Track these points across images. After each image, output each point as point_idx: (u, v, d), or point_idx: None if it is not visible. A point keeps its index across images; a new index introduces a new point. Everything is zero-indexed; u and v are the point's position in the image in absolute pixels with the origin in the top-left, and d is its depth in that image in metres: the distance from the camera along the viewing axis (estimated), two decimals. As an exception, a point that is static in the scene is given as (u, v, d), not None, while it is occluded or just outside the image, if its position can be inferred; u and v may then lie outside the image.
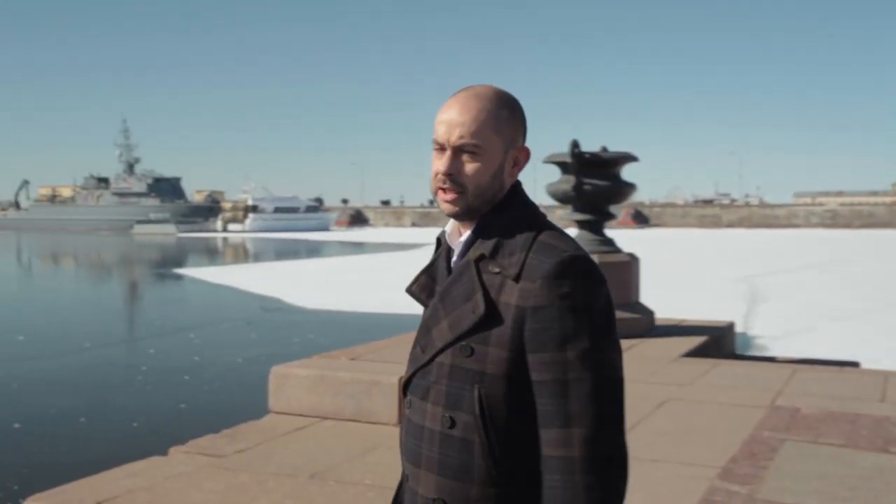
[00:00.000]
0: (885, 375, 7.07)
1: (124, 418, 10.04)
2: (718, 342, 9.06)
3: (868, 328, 15.66)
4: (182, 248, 61.36)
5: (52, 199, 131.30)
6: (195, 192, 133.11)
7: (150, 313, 23.04)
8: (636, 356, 7.64)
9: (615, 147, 9.24)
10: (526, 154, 1.60)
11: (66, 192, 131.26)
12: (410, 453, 1.59)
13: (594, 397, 1.43)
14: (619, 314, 7.74)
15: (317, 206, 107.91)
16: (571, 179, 8.88)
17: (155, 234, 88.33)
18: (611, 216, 9.34)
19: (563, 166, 9.11)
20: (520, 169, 1.60)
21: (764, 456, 4.69)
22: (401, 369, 4.53)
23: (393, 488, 1.77)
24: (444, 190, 1.55)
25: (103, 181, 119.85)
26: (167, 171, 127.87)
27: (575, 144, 8.79)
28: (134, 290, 31.85)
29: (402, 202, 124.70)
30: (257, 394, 7.22)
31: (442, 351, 1.53)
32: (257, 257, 50.92)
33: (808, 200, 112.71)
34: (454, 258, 1.60)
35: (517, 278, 1.48)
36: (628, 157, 9.22)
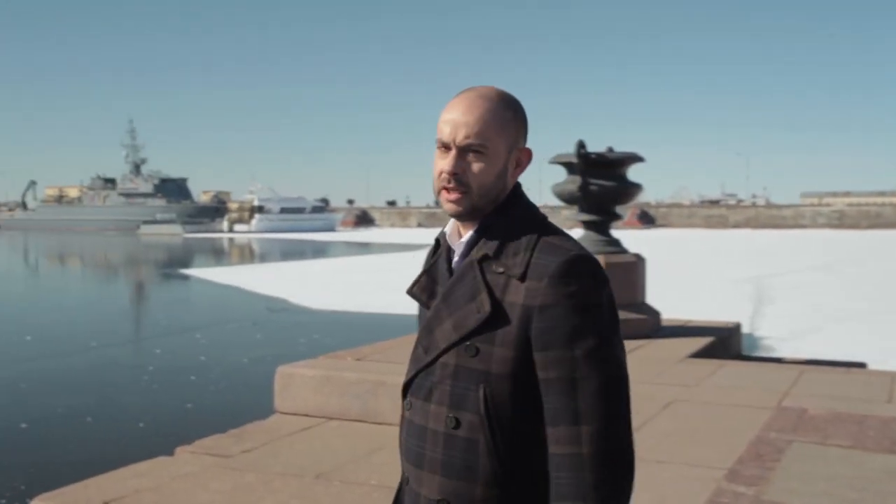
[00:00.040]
0: (893, 376, 7.04)
1: (131, 418, 10.06)
2: (725, 343, 9.04)
3: (875, 329, 15.61)
4: (188, 249, 61.50)
5: (59, 199, 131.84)
6: (201, 193, 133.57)
7: (157, 313, 23.10)
8: (642, 357, 7.62)
9: (621, 147, 9.21)
10: (528, 155, 1.60)
11: (73, 193, 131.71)
12: (412, 455, 1.58)
13: (602, 395, 1.44)
14: (625, 315, 7.79)
15: (323, 206, 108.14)
16: (577, 180, 8.86)
17: (161, 235, 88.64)
18: (617, 217, 9.32)
19: (570, 167, 9.10)
20: (522, 170, 1.60)
21: (771, 457, 4.67)
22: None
23: (398, 489, 1.76)
24: (448, 189, 1.54)
25: (110, 182, 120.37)
26: (173, 172, 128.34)
27: (581, 145, 8.77)
28: (140, 290, 31.93)
29: (407, 203, 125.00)
30: (263, 394, 7.23)
31: (446, 351, 1.53)
32: (263, 258, 51.00)
33: (815, 201, 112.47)
34: (455, 259, 1.60)
35: (522, 278, 1.48)
36: (634, 158, 9.20)
